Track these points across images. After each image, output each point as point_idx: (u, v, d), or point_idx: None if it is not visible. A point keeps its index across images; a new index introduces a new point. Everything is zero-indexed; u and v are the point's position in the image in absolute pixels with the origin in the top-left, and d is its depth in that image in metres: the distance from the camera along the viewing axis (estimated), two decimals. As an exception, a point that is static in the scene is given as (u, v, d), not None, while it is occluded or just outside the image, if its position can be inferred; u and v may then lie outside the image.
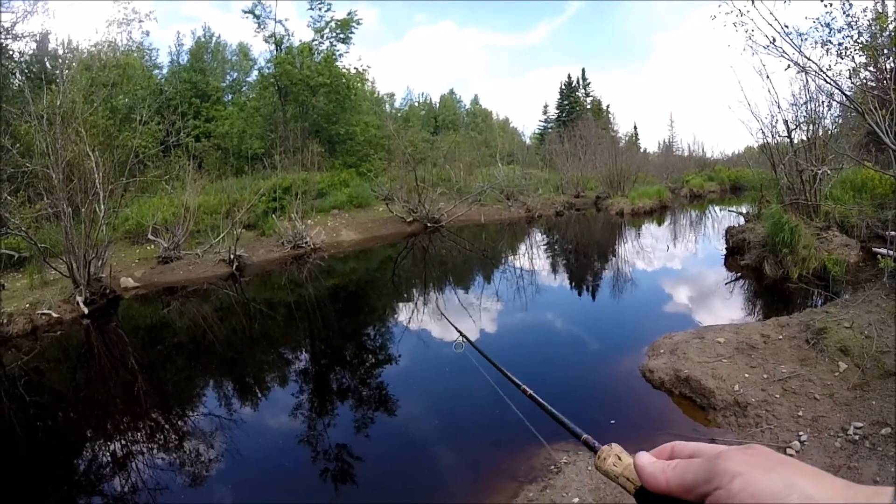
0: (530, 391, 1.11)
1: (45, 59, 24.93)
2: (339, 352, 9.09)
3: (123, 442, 6.46)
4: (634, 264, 13.18)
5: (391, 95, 53.28)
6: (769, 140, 12.91)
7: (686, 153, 47.75)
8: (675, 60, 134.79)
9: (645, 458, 0.57)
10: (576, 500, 3.95)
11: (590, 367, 7.09)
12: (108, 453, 6.18)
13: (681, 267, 12.93)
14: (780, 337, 6.43)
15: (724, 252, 12.77)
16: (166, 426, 6.78)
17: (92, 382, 8.84)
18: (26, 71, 23.94)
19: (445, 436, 5.58)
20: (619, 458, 0.62)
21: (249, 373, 8.52)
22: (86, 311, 12.10)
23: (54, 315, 11.71)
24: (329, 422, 6.27)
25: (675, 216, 22.63)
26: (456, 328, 2.57)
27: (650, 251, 14.66)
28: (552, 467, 4.45)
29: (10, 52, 23.61)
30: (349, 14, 31.41)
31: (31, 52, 24.91)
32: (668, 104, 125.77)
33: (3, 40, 22.72)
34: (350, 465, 5.17)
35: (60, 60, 25.51)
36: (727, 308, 8.97)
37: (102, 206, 13.64)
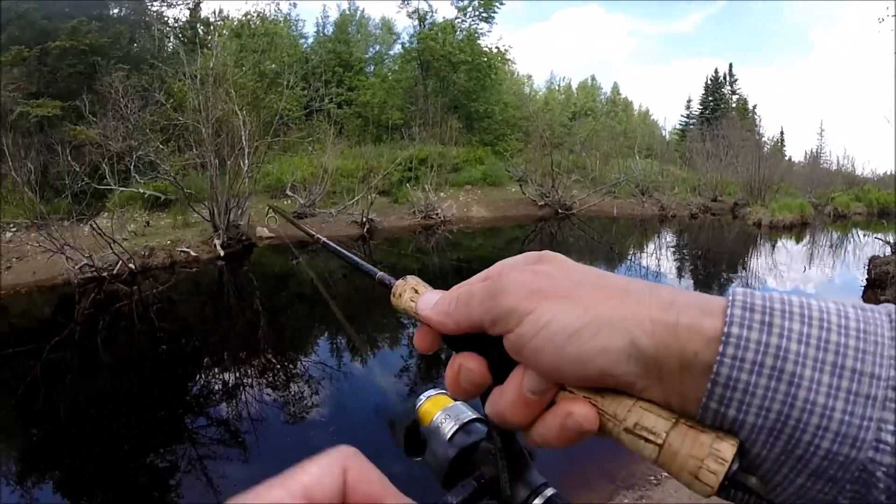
0: (323, 239, 0.97)
1: (198, 26, 26.37)
2: None
3: (236, 374, 6.78)
4: (765, 281, 12.11)
5: (529, 77, 52.44)
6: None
7: (834, 167, 43.16)
8: (830, 62, 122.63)
9: (426, 301, 0.48)
10: (670, 517, 3.78)
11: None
12: (220, 381, 6.55)
13: (814, 291, 11.67)
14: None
15: (864, 283, 11.04)
16: (277, 366, 7.02)
17: (217, 317, 9.37)
18: (180, 35, 25.40)
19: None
20: (416, 293, 0.51)
21: (363, 329, 8.57)
22: (221, 253, 12.70)
23: (192, 253, 12.30)
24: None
25: (814, 235, 20.42)
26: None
27: (784, 269, 13.36)
28: (652, 478, 4.17)
29: (166, 18, 25.47)
30: (493, -7, 30.91)
31: (184, 18, 26.51)
32: (819, 110, 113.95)
33: (159, 6, 24.49)
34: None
35: (212, 27, 26.86)
36: None
37: (246, 161, 14.36)
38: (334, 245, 0.87)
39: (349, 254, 0.76)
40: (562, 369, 0.37)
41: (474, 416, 0.56)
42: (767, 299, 0.34)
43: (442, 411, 0.58)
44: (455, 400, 0.58)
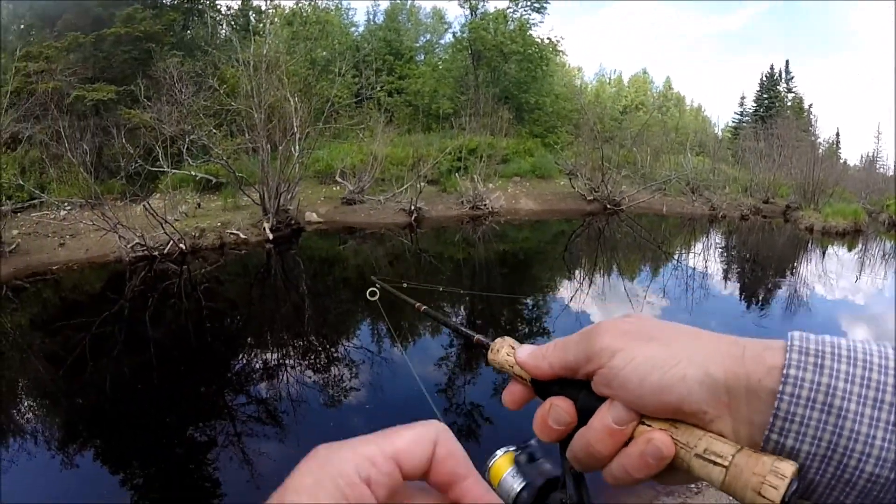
0: (424, 307, 1.04)
1: (250, 13, 26.48)
2: (494, 314, 8.82)
3: (278, 354, 6.81)
4: (813, 288, 11.45)
5: (580, 69, 51.67)
6: None
7: (891, 172, 41.13)
8: (888, 63, 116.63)
9: (525, 350, 0.53)
10: (709, 525, 3.60)
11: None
12: (261, 361, 6.55)
13: (863, 303, 11.01)
14: None
15: None
16: (319, 349, 7.01)
17: (263, 298, 9.40)
18: (232, 23, 25.64)
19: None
20: (513, 349, 0.55)
21: (406, 318, 8.39)
22: (270, 236, 12.74)
23: (241, 236, 12.36)
24: (469, 385, 5.98)
25: (867, 243, 19.26)
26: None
27: (834, 278, 12.59)
28: (693, 486, 4.03)
29: (218, 6, 25.67)
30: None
31: (237, 6, 26.85)
32: (878, 112, 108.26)
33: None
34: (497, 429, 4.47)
35: (264, 15, 26.92)
36: None
37: (297, 147, 14.43)
38: (434, 312, 0.94)
39: (449, 320, 0.82)
40: (645, 398, 0.42)
41: (549, 475, 0.58)
42: (820, 343, 0.39)
43: (513, 467, 0.60)
44: (534, 446, 0.61)
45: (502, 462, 0.60)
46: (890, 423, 0.35)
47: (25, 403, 5.38)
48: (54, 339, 6.97)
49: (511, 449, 0.62)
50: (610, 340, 0.45)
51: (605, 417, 0.44)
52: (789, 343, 0.40)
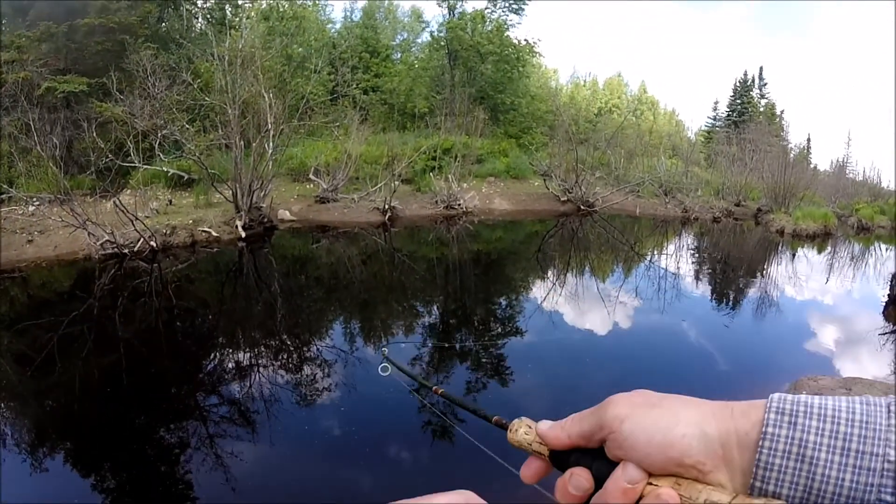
0: (441, 389, 1.13)
1: (226, 7, 26.11)
2: (468, 315, 8.85)
3: (250, 354, 6.79)
4: (783, 289, 11.70)
5: (555, 71, 51.92)
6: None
7: (860, 178, 42.05)
8: (861, 71, 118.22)
9: (545, 424, 0.61)
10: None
11: (719, 390, 6.15)
12: (233, 361, 6.56)
13: (832, 303, 11.31)
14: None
15: (886, 299, 10.60)
16: (291, 348, 7.04)
17: (235, 297, 9.39)
18: (208, 16, 25.35)
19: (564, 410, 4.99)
20: (530, 428, 0.63)
21: (379, 317, 8.56)
22: (243, 234, 12.71)
23: (213, 234, 12.32)
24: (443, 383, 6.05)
25: (836, 246, 19.73)
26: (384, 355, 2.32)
27: (803, 280, 12.90)
28: None
29: None
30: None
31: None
32: (848, 120, 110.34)
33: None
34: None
35: (240, 9, 26.70)
36: (875, 362, 7.63)
37: (271, 143, 14.36)
38: (452, 396, 1.02)
39: (467, 403, 0.89)
40: (652, 455, 0.50)
41: None
42: (794, 402, 0.47)
43: None
44: None
45: None
46: (856, 467, 0.43)
47: (-8, 405, 5.33)
48: (22, 339, 6.87)
49: None
50: (620, 409, 0.53)
51: (619, 479, 0.51)
52: (768, 404, 0.48)
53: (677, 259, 14.64)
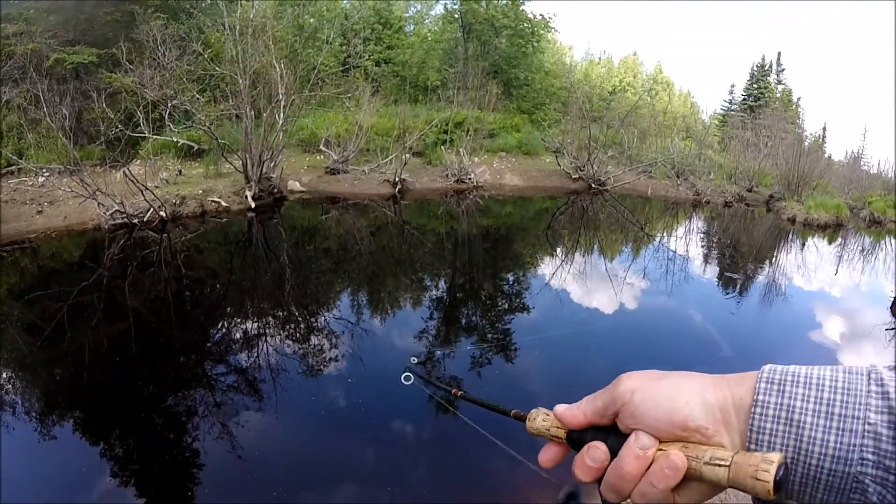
0: (461, 392, 1.15)
1: (238, -25, 25.70)
2: (475, 289, 8.83)
3: (258, 323, 6.79)
4: (792, 279, 11.55)
5: (570, 48, 51.23)
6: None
7: (874, 170, 41.26)
8: (881, 64, 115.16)
9: (561, 406, 0.66)
10: None
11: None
12: (241, 330, 6.56)
13: (839, 296, 11.11)
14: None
15: (894, 295, 10.40)
16: (299, 318, 7.02)
17: (244, 267, 9.38)
18: (219, -15, 24.95)
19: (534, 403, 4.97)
20: (547, 415, 0.68)
21: (386, 289, 8.57)
22: (252, 205, 12.71)
23: (223, 204, 12.30)
24: (448, 359, 5.95)
25: (846, 238, 19.34)
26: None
27: (812, 270, 12.72)
28: None
29: None
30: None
31: None
32: (865, 112, 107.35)
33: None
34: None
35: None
36: (880, 357, 7.41)
37: (282, 114, 14.30)
38: (471, 396, 1.02)
39: (486, 401, 0.91)
40: (660, 420, 0.56)
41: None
42: (783, 372, 0.54)
43: None
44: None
45: None
46: (839, 430, 0.48)
47: (2, 375, 5.33)
48: (32, 309, 6.88)
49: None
50: (631, 382, 0.59)
51: (632, 446, 0.56)
52: (760, 374, 0.54)
53: (687, 242, 14.47)
